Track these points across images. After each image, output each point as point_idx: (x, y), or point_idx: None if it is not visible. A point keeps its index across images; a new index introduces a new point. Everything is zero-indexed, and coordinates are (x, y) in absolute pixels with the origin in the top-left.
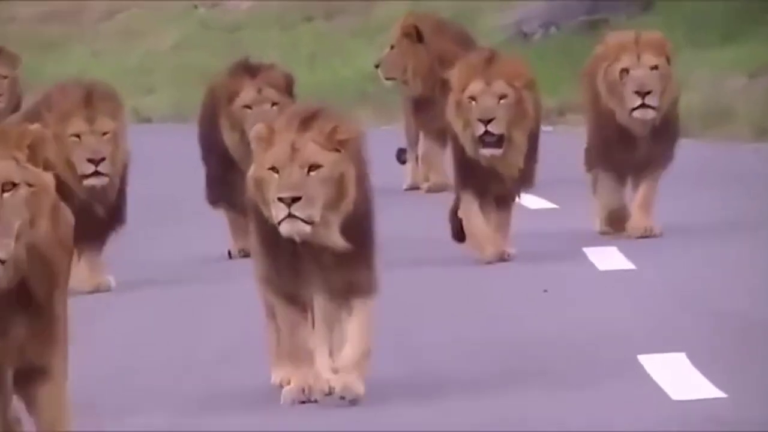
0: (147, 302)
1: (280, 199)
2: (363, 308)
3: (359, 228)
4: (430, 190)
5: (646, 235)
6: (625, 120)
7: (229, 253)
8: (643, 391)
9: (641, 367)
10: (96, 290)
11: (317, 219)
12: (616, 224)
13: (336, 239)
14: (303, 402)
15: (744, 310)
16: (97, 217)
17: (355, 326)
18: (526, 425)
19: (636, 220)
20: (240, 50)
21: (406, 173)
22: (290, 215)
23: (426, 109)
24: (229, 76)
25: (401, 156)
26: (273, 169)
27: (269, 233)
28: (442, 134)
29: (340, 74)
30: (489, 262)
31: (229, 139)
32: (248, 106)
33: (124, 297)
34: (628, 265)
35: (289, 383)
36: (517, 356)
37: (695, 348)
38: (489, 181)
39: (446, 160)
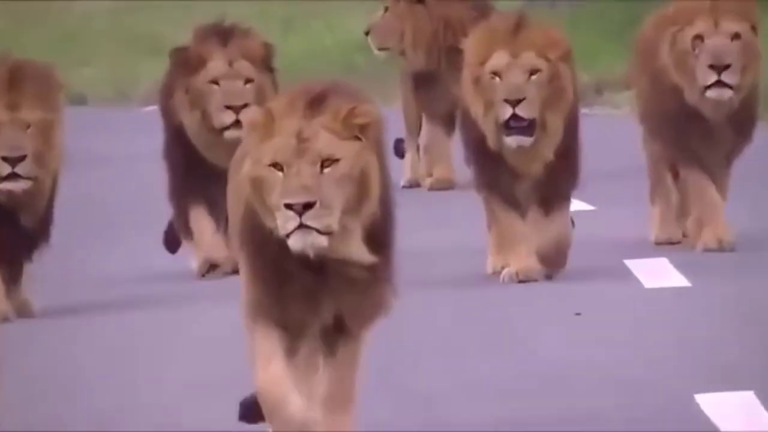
0: (83, 332)
1: (289, 206)
2: (355, 345)
3: (383, 235)
4: (433, 188)
5: (721, 248)
6: (695, 100)
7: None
8: None
9: (700, 410)
10: (5, 319)
11: (335, 228)
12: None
13: (360, 252)
14: None
15: None
16: (18, 231)
17: (334, 380)
18: None
19: (706, 230)
20: (197, 13)
21: (405, 167)
22: (302, 225)
23: (429, 88)
24: (194, 41)
25: (399, 147)
26: (276, 165)
27: (270, 248)
28: (450, 119)
29: (321, 43)
30: (521, 281)
31: (189, 120)
32: (215, 81)
33: (53, 325)
34: (681, 281)
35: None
36: (545, 399)
37: (766, 386)
38: (513, 181)
39: (454, 150)
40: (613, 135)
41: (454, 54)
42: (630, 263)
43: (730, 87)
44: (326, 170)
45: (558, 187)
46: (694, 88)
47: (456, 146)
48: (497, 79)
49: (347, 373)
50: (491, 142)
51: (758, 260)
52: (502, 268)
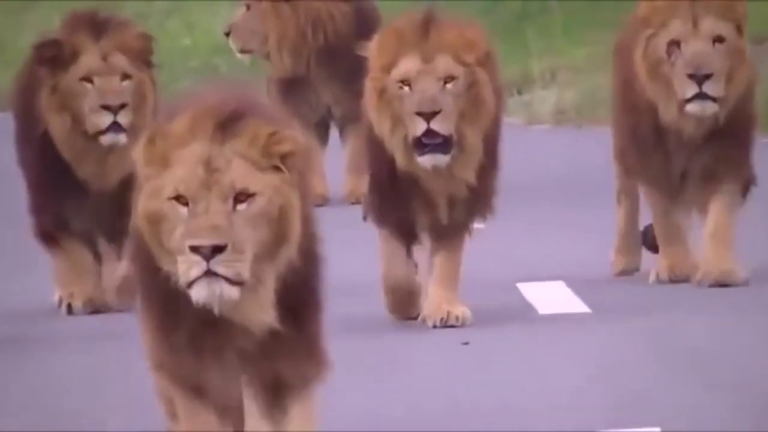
0: None
1: (194, 249)
2: (305, 401)
3: (304, 293)
4: None
5: (724, 282)
6: (672, 117)
7: (65, 303)
8: None
9: None
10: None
11: (247, 277)
12: (673, 269)
13: (265, 313)
14: None
15: (753, 378)
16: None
17: (292, 421)
18: None
19: (709, 260)
20: (34, 16)
21: None
22: (209, 272)
23: (298, 95)
24: (63, 32)
25: None
26: (179, 199)
27: (167, 296)
28: (322, 128)
29: (178, 44)
30: (435, 326)
31: (56, 126)
32: (88, 78)
33: None
34: (580, 306)
35: None
36: None
37: (674, 423)
38: (427, 209)
39: (329, 162)
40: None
41: (325, 57)
42: (522, 286)
43: (713, 99)
44: (239, 207)
45: (466, 216)
46: (670, 102)
47: (331, 158)
48: (406, 88)
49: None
50: (401, 162)
51: (667, 287)
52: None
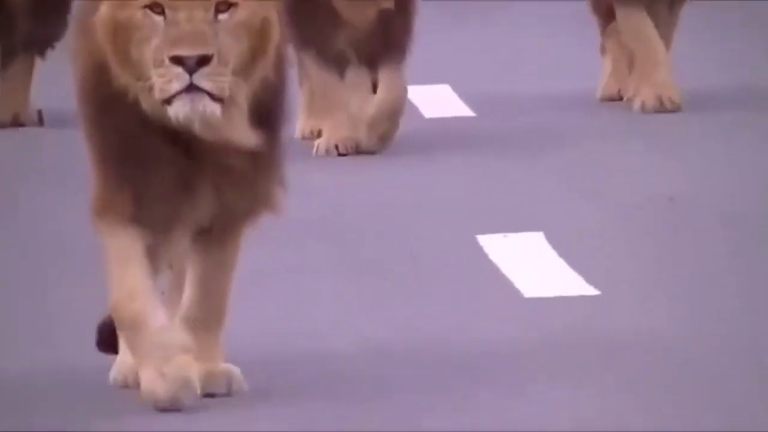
0: None
1: (177, 60)
2: (237, 238)
3: (274, 110)
4: None
5: (662, 108)
6: None
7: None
8: (485, 284)
9: (483, 253)
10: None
11: (227, 94)
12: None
13: (244, 131)
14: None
15: (625, 188)
16: None
17: (220, 265)
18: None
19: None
20: None
21: None
22: (192, 86)
23: None
24: None
25: None
26: (153, 7)
27: (126, 121)
28: None
29: None
30: (343, 154)
31: None
32: None
33: None
34: (464, 110)
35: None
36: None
37: (556, 229)
38: (338, 32)
39: None
40: None
41: None
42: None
43: None
44: (221, 17)
45: (391, 44)
46: None
47: None
48: None
49: (220, 283)
50: None
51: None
52: (312, 133)
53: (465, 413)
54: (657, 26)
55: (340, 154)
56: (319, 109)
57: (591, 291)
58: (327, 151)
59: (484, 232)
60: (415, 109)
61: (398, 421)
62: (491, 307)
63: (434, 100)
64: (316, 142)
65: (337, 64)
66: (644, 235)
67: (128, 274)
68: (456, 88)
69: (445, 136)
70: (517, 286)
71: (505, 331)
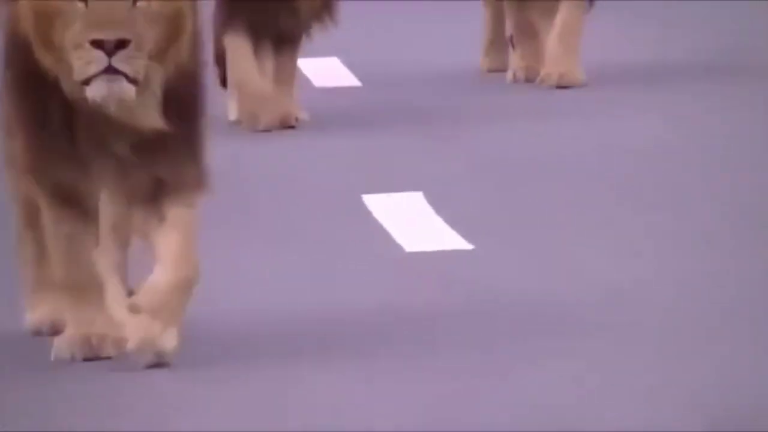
0: None
1: (97, 43)
2: (183, 217)
3: (188, 95)
4: None
5: (564, 84)
6: None
7: None
8: (370, 239)
9: (368, 211)
10: None
11: (142, 77)
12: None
13: (152, 115)
14: (89, 359)
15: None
16: None
17: (170, 243)
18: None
19: (551, 62)
20: None
21: None
22: (109, 69)
23: None
24: None
25: None
26: None
27: (41, 97)
28: None
29: None
30: (266, 130)
31: None
32: None
33: None
34: (352, 80)
35: (56, 329)
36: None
37: (434, 189)
38: (268, 14)
39: None
40: None
41: None
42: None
43: None
44: (139, 4)
45: (305, 24)
46: None
47: None
48: None
49: (184, 245)
50: None
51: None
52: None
53: (347, 363)
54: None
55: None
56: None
57: (466, 246)
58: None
59: (368, 192)
60: (306, 80)
61: (276, 373)
62: (375, 260)
63: (324, 72)
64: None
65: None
66: (516, 196)
67: (70, 247)
68: (345, 61)
69: (333, 105)
70: (398, 241)
71: (387, 282)
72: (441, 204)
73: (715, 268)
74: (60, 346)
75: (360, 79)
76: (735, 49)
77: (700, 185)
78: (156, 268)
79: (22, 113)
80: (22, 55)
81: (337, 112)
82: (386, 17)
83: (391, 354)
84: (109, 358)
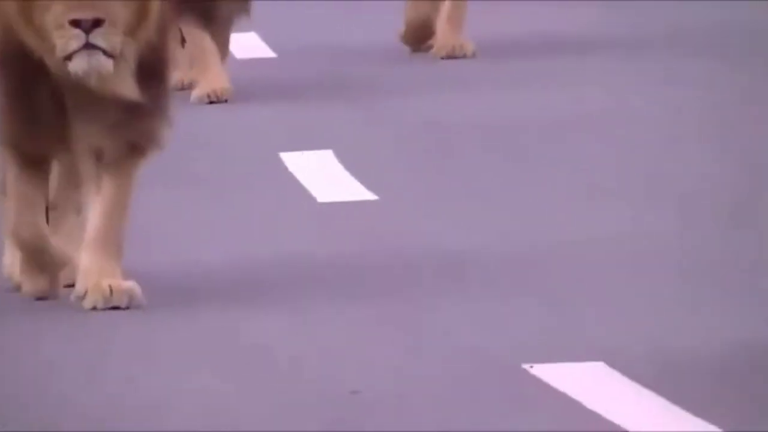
0: None
1: (75, 23)
2: (131, 171)
3: (159, 65)
4: None
5: (456, 55)
6: None
7: None
8: (287, 192)
9: (284, 166)
10: None
11: (119, 51)
12: (417, 40)
13: (129, 85)
14: (43, 299)
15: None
16: None
17: (115, 194)
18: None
19: (440, 37)
20: None
21: None
22: (88, 45)
23: None
24: None
25: None
26: None
27: (26, 73)
28: None
29: None
30: (212, 102)
31: None
32: None
33: None
34: (267, 52)
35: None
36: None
37: (343, 147)
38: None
39: None
40: None
41: None
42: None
43: None
44: None
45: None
46: None
47: None
48: None
49: (115, 210)
50: None
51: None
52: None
53: (280, 305)
54: None
55: (210, 102)
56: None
57: (371, 196)
58: (201, 100)
59: (285, 150)
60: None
61: (219, 326)
62: (291, 210)
63: (244, 45)
64: (193, 93)
65: (207, 21)
66: (418, 153)
67: (28, 206)
68: (262, 36)
69: (252, 75)
70: (312, 193)
71: (303, 228)
72: (349, 161)
73: (615, 228)
74: (27, 289)
75: (275, 51)
76: (677, 29)
77: (604, 152)
78: (91, 225)
79: (8, 88)
80: (6, 37)
81: (255, 83)
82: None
83: (316, 295)
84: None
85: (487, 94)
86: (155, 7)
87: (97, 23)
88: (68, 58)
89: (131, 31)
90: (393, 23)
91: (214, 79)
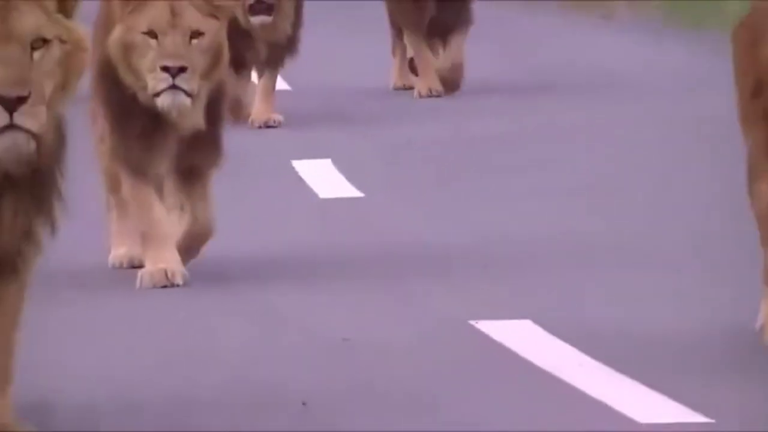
0: None
1: (165, 68)
2: (206, 182)
3: (218, 104)
4: None
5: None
6: None
7: None
8: (296, 190)
9: (295, 171)
10: None
11: (197, 92)
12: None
13: (198, 118)
14: (165, 286)
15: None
16: None
17: (199, 196)
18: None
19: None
20: None
21: None
22: (173, 86)
23: None
24: None
25: None
26: (150, 33)
27: (124, 103)
28: None
29: None
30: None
31: None
32: None
33: None
34: (285, 86)
35: (132, 264)
36: None
37: (339, 156)
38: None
39: None
40: None
41: None
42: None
43: None
44: (194, 41)
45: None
46: None
47: None
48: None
49: (206, 205)
50: (242, 22)
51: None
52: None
53: (286, 289)
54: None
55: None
56: None
57: (359, 194)
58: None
59: (295, 158)
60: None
61: (241, 295)
62: (299, 203)
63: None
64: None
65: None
66: (398, 162)
67: (153, 209)
68: (281, 74)
69: (274, 104)
70: (315, 191)
71: (308, 217)
72: (345, 168)
73: (573, 224)
74: (145, 277)
75: (291, 86)
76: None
77: (575, 155)
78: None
79: (112, 115)
80: (104, 71)
81: (276, 110)
82: (317, 39)
83: (317, 269)
84: (178, 285)
85: (456, 120)
86: (226, 56)
87: (182, 70)
88: (157, 95)
89: (206, 74)
90: (384, 66)
91: (268, 109)
